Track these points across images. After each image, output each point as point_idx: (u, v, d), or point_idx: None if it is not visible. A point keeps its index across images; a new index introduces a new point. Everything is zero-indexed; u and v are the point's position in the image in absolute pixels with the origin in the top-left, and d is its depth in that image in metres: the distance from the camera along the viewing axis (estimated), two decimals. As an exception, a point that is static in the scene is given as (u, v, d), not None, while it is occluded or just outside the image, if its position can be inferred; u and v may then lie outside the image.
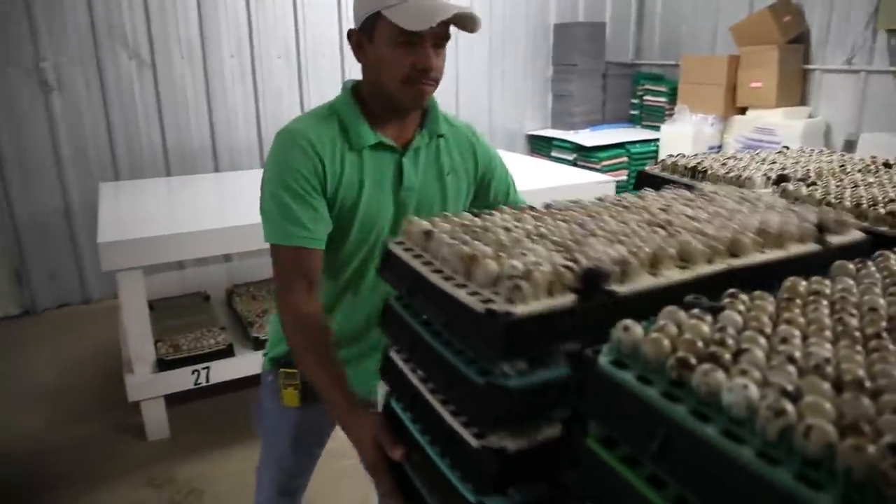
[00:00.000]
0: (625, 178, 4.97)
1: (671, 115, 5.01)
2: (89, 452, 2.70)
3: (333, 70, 4.55)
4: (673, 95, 5.14)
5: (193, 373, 2.74)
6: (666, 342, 0.57)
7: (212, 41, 4.23)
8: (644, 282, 0.73)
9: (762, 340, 0.58)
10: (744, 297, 0.68)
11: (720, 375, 0.51)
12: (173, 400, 2.80)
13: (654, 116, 5.38)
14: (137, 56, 4.06)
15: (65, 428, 2.88)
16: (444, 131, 1.40)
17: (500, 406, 0.69)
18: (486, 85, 5.28)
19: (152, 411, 2.75)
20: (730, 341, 0.57)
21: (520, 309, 0.65)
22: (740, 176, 1.36)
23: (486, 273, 0.70)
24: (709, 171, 1.44)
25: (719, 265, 0.79)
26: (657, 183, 1.51)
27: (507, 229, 0.86)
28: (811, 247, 0.88)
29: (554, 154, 5.29)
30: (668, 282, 0.74)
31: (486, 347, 0.68)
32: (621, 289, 0.71)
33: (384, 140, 1.32)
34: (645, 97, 5.53)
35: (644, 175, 1.59)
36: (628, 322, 0.60)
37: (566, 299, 0.69)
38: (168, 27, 4.10)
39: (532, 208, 1.00)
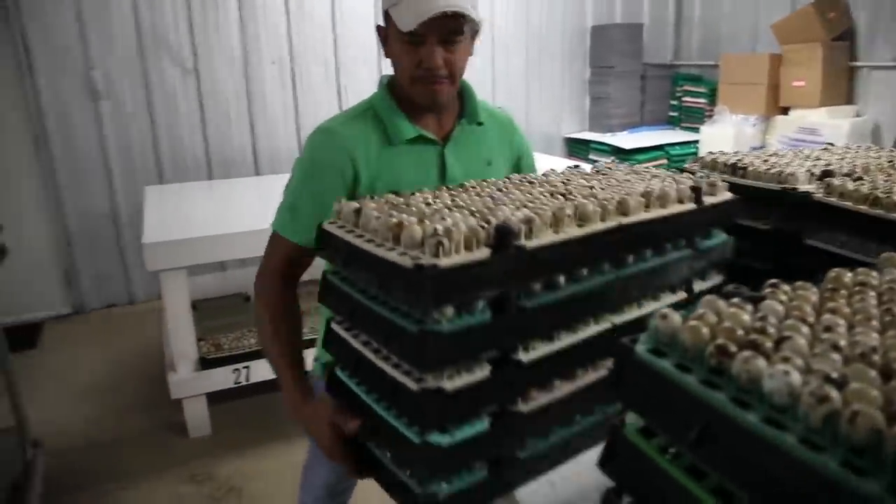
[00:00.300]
0: (664, 180, 4.91)
1: (711, 116, 4.92)
2: (133, 447, 2.77)
3: (371, 75, 4.59)
4: (713, 96, 5.06)
5: (234, 371, 2.79)
6: (705, 330, 0.56)
7: (253, 49, 4.32)
8: (547, 237, 0.85)
9: (805, 329, 0.57)
10: (785, 287, 0.67)
11: (761, 363, 0.51)
12: (214, 398, 2.86)
13: (694, 118, 5.30)
14: (181, 64, 4.16)
15: (111, 423, 2.96)
16: (483, 119, 1.38)
17: (435, 349, 0.78)
18: (523, 87, 5.26)
19: (194, 409, 2.81)
20: (771, 330, 0.56)
21: (443, 262, 0.75)
22: (782, 172, 1.33)
23: (412, 236, 0.79)
24: (749, 168, 1.41)
25: (611, 223, 0.92)
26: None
27: (428, 203, 0.96)
28: (689, 206, 1.03)
29: (592, 157, 5.25)
30: (568, 237, 0.86)
31: (418, 298, 0.77)
32: (528, 243, 0.82)
33: (424, 133, 1.31)
34: (684, 98, 5.45)
35: (684, 172, 1.57)
36: (666, 311, 0.59)
37: (482, 253, 0.79)
38: (210, 36, 4.20)
39: (461, 187, 1.12)
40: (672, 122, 5.60)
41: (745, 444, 0.48)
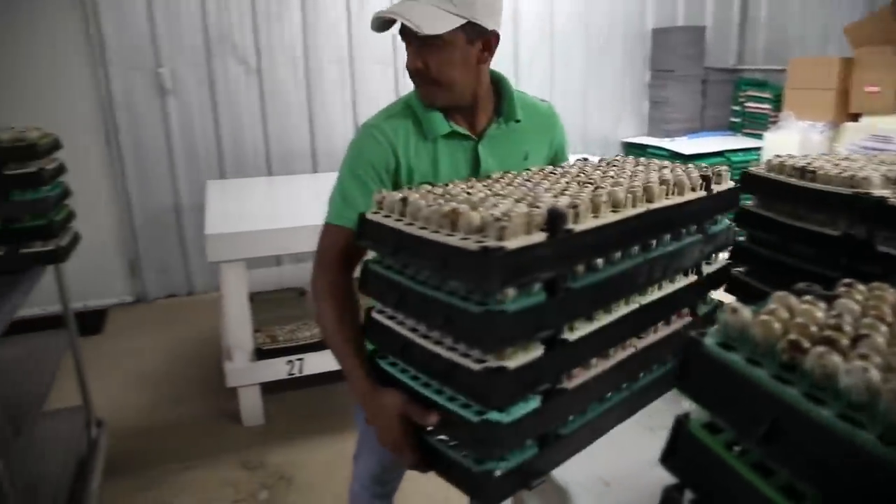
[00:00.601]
0: (724, 187, 4.79)
1: (776, 122, 4.78)
2: (189, 432, 2.86)
3: None
4: (777, 102, 4.90)
5: (288, 363, 2.85)
6: (777, 325, 0.55)
7: (314, 48, 4.40)
8: (590, 222, 0.90)
9: (883, 328, 0.55)
10: (861, 287, 0.65)
11: (836, 358, 0.49)
12: (268, 388, 2.92)
13: (757, 124, 5.15)
14: (245, 62, 4.28)
15: (169, 408, 3.06)
16: (520, 116, 1.40)
17: (500, 329, 0.80)
18: (581, 90, 5.21)
19: (249, 398, 2.88)
20: (847, 328, 0.55)
21: (508, 244, 0.78)
22: (855, 176, 1.29)
23: (470, 221, 0.83)
24: (819, 172, 1.37)
25: (640, 208, 0.98)
26: (763, 185, 1.45)
27: (468, 193, 1.00)
28: (701, 193, 1.11)
29: (649, 162, 5.17)
30: (608, 221, 0.92)
31: (485, 280, 0.79)
32: (576, 227, 0.87)
33: (457, 129, 1.34)
34: (747, 104, 5.30)
35: (749, 176, 1.53)
36: (736, 304, 0.58)
37: (539, 236, 0.83)
38: (273, 35, 4.30)
39: (489, 178, 1.17)
40: (734, 128, 5.46)
41: (818, 440, 0.47)
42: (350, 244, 1.27)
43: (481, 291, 0.82)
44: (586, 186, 1.02)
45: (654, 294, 1.06)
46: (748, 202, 1.53)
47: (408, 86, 1.38)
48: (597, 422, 1.03)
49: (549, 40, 4.97)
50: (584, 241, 0.88)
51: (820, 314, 0.58)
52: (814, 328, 0.55)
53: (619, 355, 1.03)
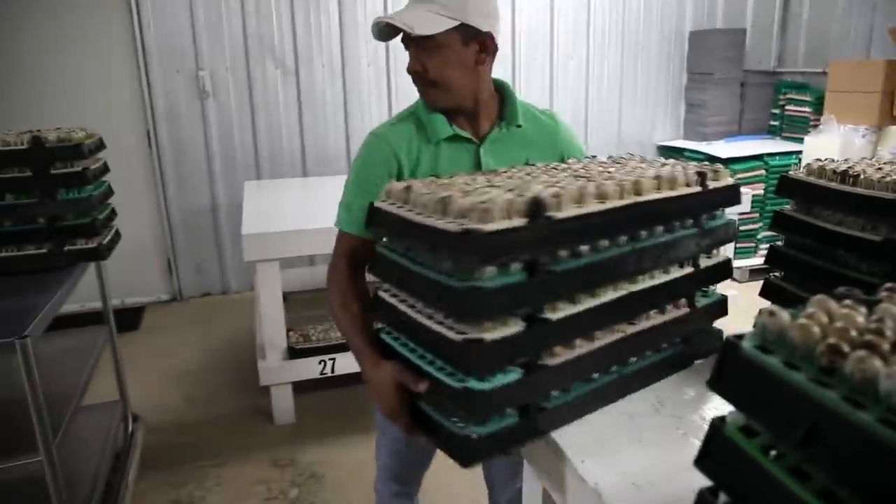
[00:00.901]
0: (762, 192, 4.69)
1: (816, 125, 4.67)
2: (222, 429, 2.91)
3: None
4: (818, 105, 4.80)
5: (320, 363, 2.88)
6: (816, 329, 0.54)
7: (351, 51, 4.45)
8: (572, 210, 0.97)
9: (927, 333, 0.54)
10: (904, 292, 0.63)
11: (877, 363, 0.48)
12: (300, 387, 2.95)
13: (797, 128, 5.05)
14: (283, 65, 4.34)
15: (202, 405, 3.12)
16: (521, 122, 1.45)
17: (479, 304, 0.90)
18: (616, 92, 5.18)
19: (281, 396, 2.91)
20: (888, 332, 0.54)
21: (487, 227, 0.87)
22: (899, 180, 1.26)
23: (458, 207, 0.91)
24: (861, 177, 1.34)
25: (627, 200, 1.04)
26: (803, 189, 1.42)
27: (467, 183, 1.08)
28: (695, 189, 1.15)
29: (684, 165, 5.09)
30: (590, 210, 0.99)
31: (465, 259, 0.90)
32: (557, 215, 0.95)
33: (459, 132, 1.40)
34: (787, 107, 5.19)
35: (788, 180, 1.50)
36: (774, 307, 0.58)
37: (519, 221, 0.91)
38: (311, 39, 4.36)
39: (493, 172, 1.24)
40: (772, 132, 5.36)
41: (857, 444, 0.46)
42: (355, 247, 1.40)
43: (463, 269, 0.92)
44: (580, 180, 1.08)
45: (645, 283, 1.11)
46: (786, 206, 1.51)
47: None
48: (583, 400, 1.10)
49: (584, 41, 4.95)
50: (564, 228, 0.96)
51: (860, 319, 0.57)
52: (854, 332, 0.54)
53: (606, 338, 1.09)
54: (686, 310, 1.23)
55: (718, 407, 1.14)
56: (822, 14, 5.05)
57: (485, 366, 0.94)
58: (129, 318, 4.03)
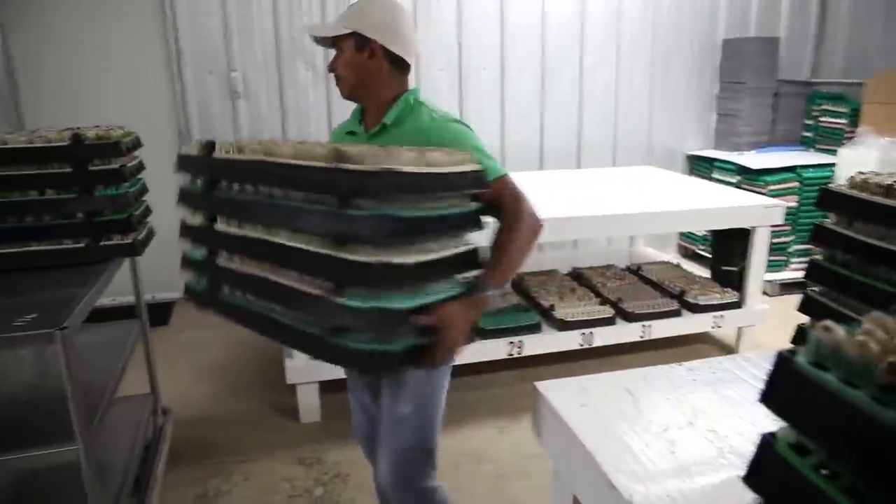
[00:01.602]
0: (794, 204, 4.61)
1: (851, 137, 4.59)
2: (248, 426, 2.94)
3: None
4: (854, 117, 4.71)
5: (345, 363, 2.90)
6: (874, 346, 0.53)
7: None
8: (226, 155, 1.46)
9: None
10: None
11: (941, 384, 0.48)
12: (326, 387, 2.97)
13: (831, 139, 4.96)
14: (314, 67, 4.38)
15: (229, 401, 3.15)
16: (388, 122, 1.66)
17: (182, 199, 1.63)
18: (646, 100, 5.12)
19: (307, 395, 2.93)
20: (950, 352, 0.53)
21: (182, 151, 1.65)
22: (946, 196, 1.23)
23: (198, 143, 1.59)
24: (906, 190, 1.32)
25: (258, 156, 1.37)
26: (845, 202, 1.40)
27: (276, 143, 1.42)
28: (323, 164, 1.23)
29: (715, 176, 5.02)
30: (237, 158, 1.43)
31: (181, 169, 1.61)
32: (220, 155, 1.47)
33: (351, 129, 1.76)
34: (821, 118, 5.11)
35: (830, 193, 1.48)
36: (829, 322, 0.57)
37: (201, 153, 1.54)
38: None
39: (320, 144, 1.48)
40: (805, 143, 5.27)
41: (921, 467, 0.45)
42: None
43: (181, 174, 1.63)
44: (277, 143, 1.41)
45: (280, 238, 1.33)
46: (826, 220, 1.48)
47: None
48: (247, 314, 1.45)
49: (614, 48, 4.91)
50: (216, 164, 1.47)
51: (920, 337, 0.56)
52: (914, 351, 0.53)
53: (255, 270, 1.40)
54: (324, 293, 1.24)
55: (756, 421, 1.12)
56: (859, 25, 4.97)
57: (186, 237, 1.61)
58: (160, 313, 4.08)
